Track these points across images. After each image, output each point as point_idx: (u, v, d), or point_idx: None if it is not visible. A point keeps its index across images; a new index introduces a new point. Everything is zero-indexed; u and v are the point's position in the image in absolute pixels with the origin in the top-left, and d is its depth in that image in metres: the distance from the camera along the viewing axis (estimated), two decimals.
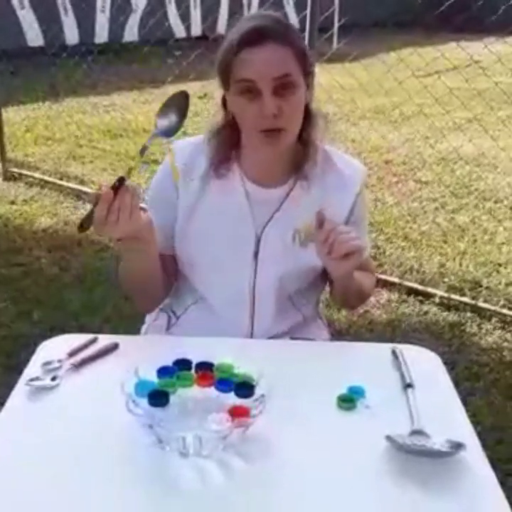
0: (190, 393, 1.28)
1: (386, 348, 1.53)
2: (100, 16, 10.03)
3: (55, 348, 1.50)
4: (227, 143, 1.60)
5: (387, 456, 1.20)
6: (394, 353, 1.50)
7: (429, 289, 3.48)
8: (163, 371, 1.29)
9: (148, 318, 1.86)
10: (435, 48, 4.82)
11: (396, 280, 3.53)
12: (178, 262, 1.68)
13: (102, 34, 10.02)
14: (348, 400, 1.33)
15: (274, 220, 1.61)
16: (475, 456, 1.20)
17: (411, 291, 3.48)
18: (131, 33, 10.26)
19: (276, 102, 1.46)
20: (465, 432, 1.27)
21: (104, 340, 1.52)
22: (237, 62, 1.47)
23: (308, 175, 1.61)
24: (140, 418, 1.16)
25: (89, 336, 1.54)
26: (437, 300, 3.41)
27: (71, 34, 9.65)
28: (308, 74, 1.53)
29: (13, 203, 4.44)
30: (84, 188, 4.60)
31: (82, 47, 6.77)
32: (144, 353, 1.45)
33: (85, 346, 1.50)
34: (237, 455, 1.18)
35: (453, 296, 3.43)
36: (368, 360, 1.50)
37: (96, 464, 1.17)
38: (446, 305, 3.39)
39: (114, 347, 1.50)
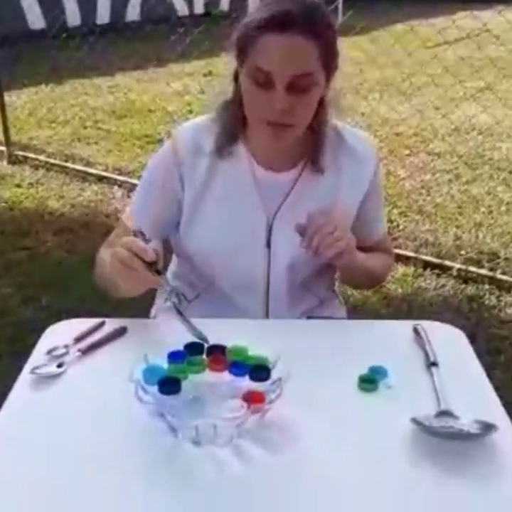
0: (203, 378, 1.21)
1: (407, 325, 1.45)
2: None
3: (61, 333, 1.43)
4: (235, 119, 1.49)
5: (413, 440, 1.13)
6: (416, 330, 1.42)
7: (446, 262, 3.41)
8: (173, 356, 1.22)
9: (158, 300, 1.80)
10: (444, 18, 4.69)
11: (411, 254, 3.45)
12: (183, 249, 1.60)
13: (103, 14, 9.88)
14: (370, 381, 1.26)
15: (286, 207, 1.52)
16: (507, 438, 1.13)
17: (427, 265, 3.41)
18: (133, 12, 10.12)
19: (289, 99, 1.34)
20: (495, 411, 1.20)
21: (112, 324, 1.45)
22: (257, 45, 1.34)
23: (319, 159, 1.52)
24: (150, 407, 1.09)
25: (97, 320, 1.47)
26: (454, 273, 3.34)
27: (73, 16, 9.49)
28: (331, 70, 1.40)
29: (18, 186, 4.37)
30: (91, 170, 4.53)
31: (84, 28, 6.65)
32: (153, 337, 1.39)
33: (92, 331, 1.44)
34: (253, 443, 1.12)
35: (470, 268, 3.35)
36: (388, 339, 1.43)
37: (105, 454, 1.10)
38: (464, 278, 3.31)
39: (122, 331, 1.43)
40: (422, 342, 1.38)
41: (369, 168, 1.57)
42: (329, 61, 1.39)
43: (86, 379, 1.29)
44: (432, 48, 4.95)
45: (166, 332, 1.40)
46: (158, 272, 1.28)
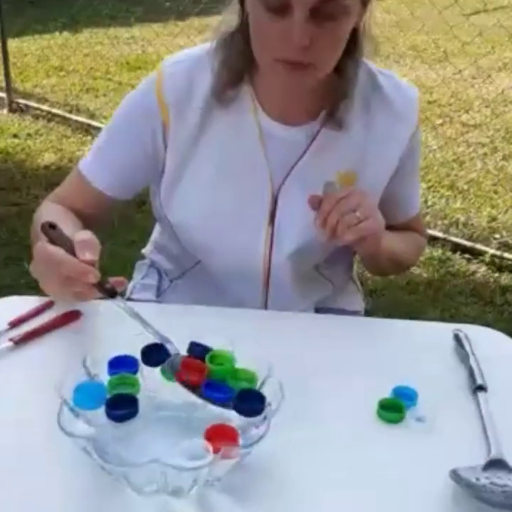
0: (167, 393, 0.88)
1: (445, 329, 1.12)
2: None
3: None
4: (240, 56, 1.13)
5: (453, 503, 0.80)
6: (457, 337, 1.08)
7: (478, 246, 3.07)
8: (117, 364, 0.88)
9: (137, 274, 1.47)
10: None
11: (440, 234, 3.12)
12: (164, 219, 1.26)
13: None
14: (393, 408, 0.93)
15: (298, 171, 1.18)
16: None
17: (457, 248, 3.08)
18: None
19: (310, 30, 0.99)
20: None
21: (63, 305, 1.13)
22: None
23: (346, 111, 1.16)
24: (78, 440, 0.76)
25: (44, 300, 1.14)
26: (487, 259, 3.00)
27: None
28: None
29: (15, 136, 4.05)
30: (94, 123, 4.18)
31: None
32: (111, 329, 1.05)
33: (35, 314, 1.11)
34: (223, 493, 0.79)
35: (506, 255, 3.01)
36: (420, 347, 1.09)
37: (16, 493, 0.78)
38: (498, 265, 2.97)
39: (73, 317, 1.10)
40: (465, 355, 1.04)
41: (407, 127, 1.21)
42: None
43: (12, 380, 0.97)
44: (470, 15, 4.54)
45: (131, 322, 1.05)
46: (112, 293, 0.94)
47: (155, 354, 0.89)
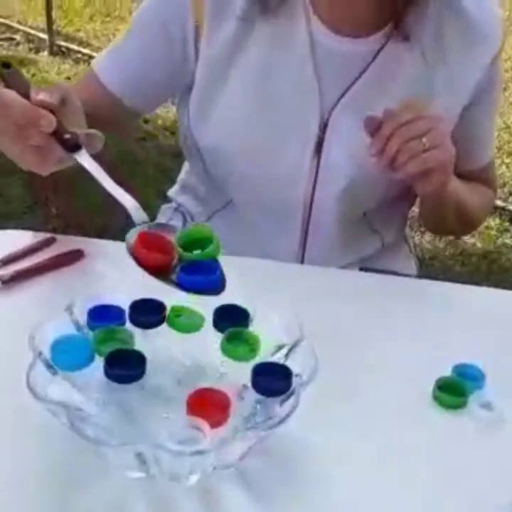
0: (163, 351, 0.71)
1: None
2: None
3: None
4: None
5: None
6: None
7: None
8: (98, 315, 0.70)
9: (160, 217, 1.30)
10: None
11: (498, 203, 2.88)
12: (193, 144, 1.08)
13: None
14: (454, 391, 0.75)
15: (354, 93, 1.00)
16: None
17: None
18: None
19: None
20: None
21: (65, 243, 0.96)
22: None
23: (416, 22, 0.97)
24: (52, 406, 0.59)
25: (44, 235, 0.98)
26: None
27: None
28: None
29: (55, 78, 3.90)
30: None
31: None
32: (113, 273, 0.88)
33: (32, 251, 0.95)
34: (237, 479, 0.62)
35: None
36: (487, 318, 0.89)
37: None
38: None
39: (75, 257, 0.94)
40: None
41: (488, 47, 1.03)
42: None
43: None
44: None
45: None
46: (73, 146, 0.77)
47: (145, 312, 0.71)
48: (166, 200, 1.33)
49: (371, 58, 0.99)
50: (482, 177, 1.16)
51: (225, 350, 0.69)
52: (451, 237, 2.61)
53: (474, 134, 1.09)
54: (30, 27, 4.66)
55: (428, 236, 2.60)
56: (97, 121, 0.98)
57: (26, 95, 0.76)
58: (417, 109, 0.91)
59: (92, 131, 0.79)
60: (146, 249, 0.68)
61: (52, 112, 0.76)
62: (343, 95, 1.00)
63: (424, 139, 0.88)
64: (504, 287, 2.28)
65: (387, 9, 0.97)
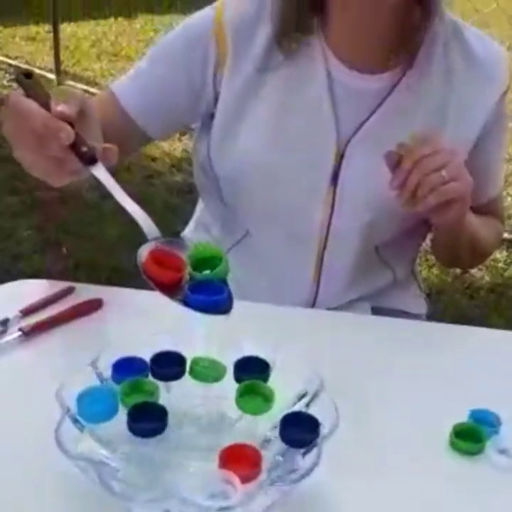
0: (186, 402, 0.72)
1: None
2: None
3: (8, 299, 0.98)
4: (308, 1, 1.01)
5: None
6: None
7: None
8: (122, 369, 0.72)
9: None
10: None
11: (505, 235, 2.89)
12: (212, 173, 1.10)
13: None
14: (471, 437, 0.76)
15: (369, 127, 1.03)
16: None
17: None
18: None
19: None
20: None
21: (84, 292, 0.98)
22: None
23: (428, 59, 1.02)
24: (81, 463, 0.60)
25: (63, 285, 1.00)
26: None
27: None
28: None
29: None
30: None
31: None
32: (134, 325, 0.90)
33: (51, 301, 0.97)
34: None
35: None
36: (501, 361, 0.91)
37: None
38: None
39: (93, 306, 0.96)
40: None
41: (495, 86, 1.07)
42: None
43: (17, 378, 0.83)
44: None
45: (156, 316, 0.89)
46: (90, 160, 0.77)
47: (167, 365, 0.73)
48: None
49: (386, 93, 1.02)
50: (491, 209, 1.18)
51: (239, 405, 0.70)
52: (458, 271, 2.62)
53: (484, 168, 1.11)
54: (38, 67, 4.74)
55: (436, 269, 2.61)
56: (107, 141, 1.01)
57: (46, 106, 0.76)
58: (432, 142, 0.94)
59: (108, 145, 0.79)
60: (158, 266, 0.69)
61: (70, 123, 0.76)
62: (359, 129, 1.02)
63: (443, 172, 0.90)
64: None
65: (401, 48, 1.01)
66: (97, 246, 2.63)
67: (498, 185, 1.19)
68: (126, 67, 5.04)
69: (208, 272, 0.71)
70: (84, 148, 0.76)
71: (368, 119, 1.03)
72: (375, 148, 0.98)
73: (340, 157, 1.03)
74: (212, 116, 1.07)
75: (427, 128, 1.02)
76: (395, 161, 0.92)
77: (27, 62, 4.91)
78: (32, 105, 0.76)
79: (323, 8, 1.02)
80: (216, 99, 1.06)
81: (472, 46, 1.06)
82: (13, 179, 3.04)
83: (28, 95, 0.78)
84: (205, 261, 0.72)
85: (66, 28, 5.40)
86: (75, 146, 0.75)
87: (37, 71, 4.64)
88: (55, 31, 4.42)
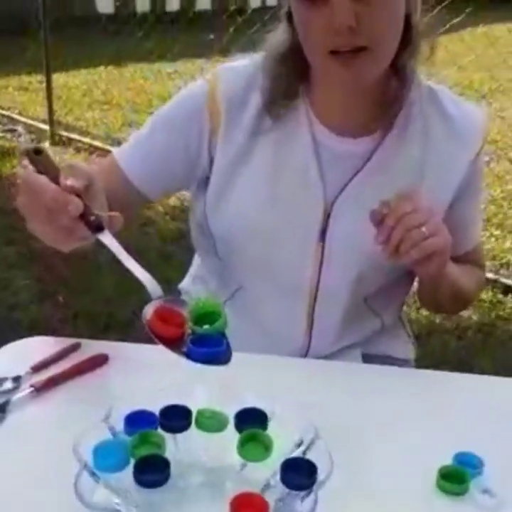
0: (192, 453, 0.78)
1: None
2: None
3: (18, 357, 1.04)
4: (294, 72, 1.09)
5: None
6: None
7: None
8: (134, 422, 0.78)
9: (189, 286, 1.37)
10: None
11: (490, 276, 2.99)
12: (208, 231, 1.17)
13: (173, 1, 9.61)
14: (456, 478, 0.81)
15: (353, 187, 1.10)
16: None
17: (508, 290, 2.96)
18: (203, 1, 9.84)
19: (355, 8, 0.93)
20: None
21: (90, 348, 1.04)
22: None
23: (406, 122, 1.10)
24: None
25: (69, 341, 1.06)
26: None
27: (142, 1, 9.32)
28: None
29: None
30: None
31: (153, 14, 6.41)
32: (140, 379, 0.96)
33: (60, 357, 1.03)
34: None
35: None
36: (484, 406, 0.97)
37: None
38: None
39: (100, 362, 1.01)
40: None
41: (468, 146, 1.13)
42: None
43: (31, 433, 0.88)
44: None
45: (162, 372, 0.95)
46: (97, 228, 0.83)
47: (174, 418, 0.78)
48: (176, 293, 1.41)
49: (369, 155, 1.09)
50: (470, 258, 1.23)
51: (241, 453, 0.76)
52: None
53: (460, 225, 1.16)
54: (31, 118, 4.84)
55: (424, 311, 2.66)
56: (111, 206, 1.07)
57: (56, 179, 0.81)
58: (413, 200, 1.00)
59: (113, 213, 0.85)
60: (162, 323, 0.76)
61: (78, 195, 0.81)
62: (343, 188, 1.09)
63: (423, 228, 0.96)
64: (500, 361, 2.34)
65: (380, 114, 1.09)
66: (93, 296, 2.68)
67: (475, 239, 1.24)
68: (117, 115, 5.17)
69: (207, 326, 0.78)
70: (92, 218, 0.82)
71: (351, 179, 1.10)
72: (360, 206, 1.05)
73: (327, 216, 1.10)
74: (207, 179, 1.14)
75: (407, 186, 1.09)
76: (378, 219, 0.99)
77: (20, 113, 5.01)
78: (42, 180, 0.82)
79: (308, 77, 1.10)
80: (211, 163, 1.13)
81: (447, 108, 1.13)
82: (10, 230, 3.11)
83: (38, 171, 0.84)
84: (205, 316, 0.79)
85: (58, 78, 5.51)
86: (83, 216, 0.81)
87: (30, 122, 4.74)
88: (48, 81, 4.52)
